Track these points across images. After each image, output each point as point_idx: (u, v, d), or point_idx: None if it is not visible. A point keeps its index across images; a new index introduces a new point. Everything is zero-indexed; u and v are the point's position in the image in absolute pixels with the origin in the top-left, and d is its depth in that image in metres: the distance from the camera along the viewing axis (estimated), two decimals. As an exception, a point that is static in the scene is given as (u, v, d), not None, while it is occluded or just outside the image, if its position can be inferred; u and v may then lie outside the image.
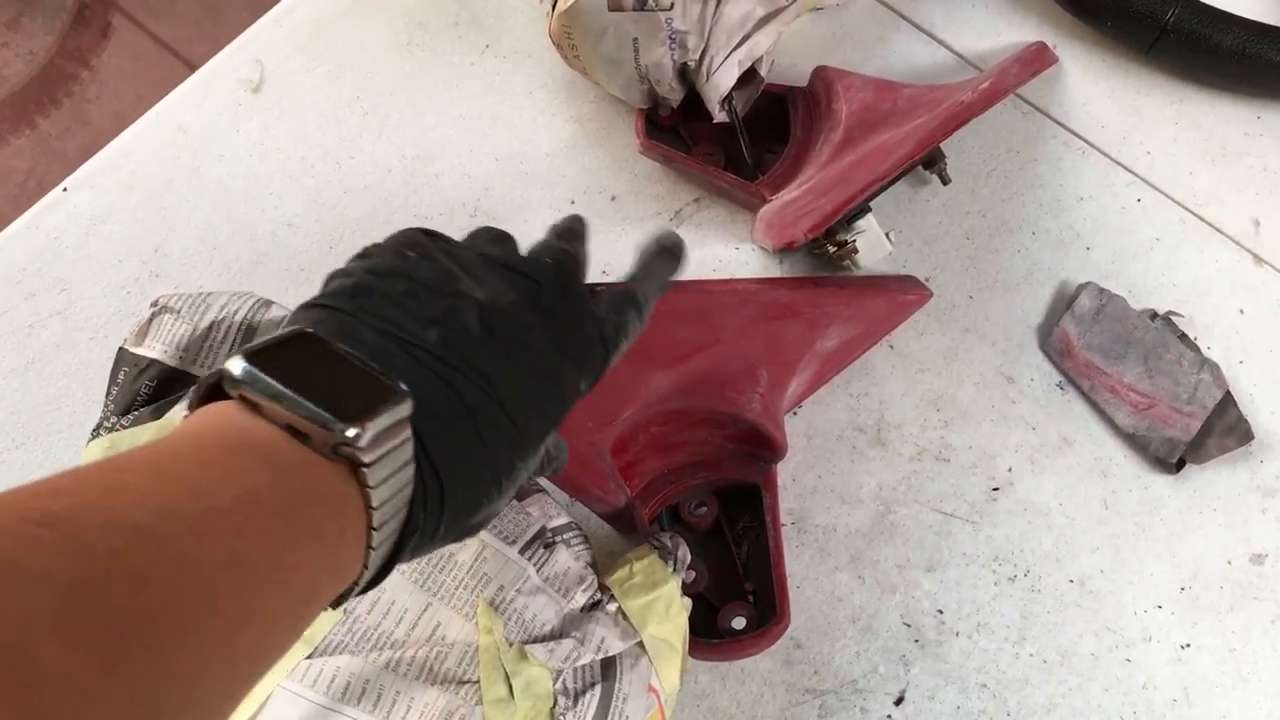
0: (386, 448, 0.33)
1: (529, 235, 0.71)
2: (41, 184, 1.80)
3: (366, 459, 0.32)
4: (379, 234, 0.70)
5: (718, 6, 0.66)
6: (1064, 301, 0.69)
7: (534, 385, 0.39)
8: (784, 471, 0.65)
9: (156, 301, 0.60)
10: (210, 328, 0.59)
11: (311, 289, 0.67)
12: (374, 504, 0.33)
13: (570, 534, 0.57)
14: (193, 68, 1.91)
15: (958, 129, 0.62)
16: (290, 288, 0.70)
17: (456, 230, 0.69)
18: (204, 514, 0.28)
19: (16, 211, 1.87)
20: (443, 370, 0.36)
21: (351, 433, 0.31)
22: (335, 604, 0.35)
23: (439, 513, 0.36)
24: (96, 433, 0.58)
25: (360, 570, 0.34)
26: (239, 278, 0.70)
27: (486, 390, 0.37)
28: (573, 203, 0.72)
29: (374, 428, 0.32)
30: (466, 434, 0.36)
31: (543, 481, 0.58)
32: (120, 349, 0.60)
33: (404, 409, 0.33)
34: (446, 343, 0.37)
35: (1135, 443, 0.66)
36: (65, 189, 0.72)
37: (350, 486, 0.33)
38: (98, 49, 1.91)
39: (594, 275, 0.70)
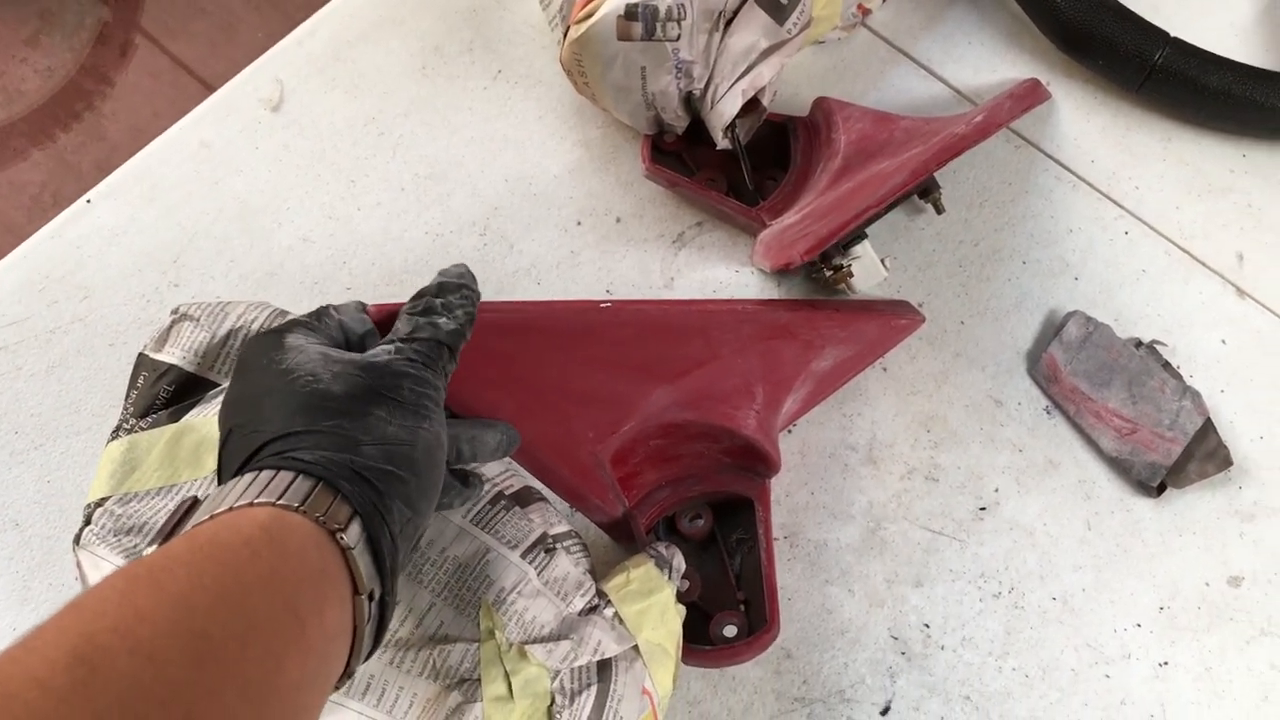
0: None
1: (536, 255, 0.74)
2: (56, 197, 1.83)
3: None
4: (390, 249, 0.73)
5: (723, 38, 0.68)
6: (1052, 329, 0.71)
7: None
8: (778, 487, 0.67)
9: (177, 309, 0.63)
10: (228, 335, 0.61)
11: (324, 300, 0.69)
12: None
13: (570, 541, 0.59)
14: (208, 86, 1.94)
15: (951, 160, 0.65)
16: (304, 299, 0.72)
17: (466, 251, 0.72)
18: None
19: (31, 223, 1.89)
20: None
21: None
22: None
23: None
24: (116, 434, 0.60)
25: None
26: (255, 288, 0.73)
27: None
28: (579, 223, 0.75)
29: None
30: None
31: (544, 490, 0.60)
32: (140, 354, 0.62)
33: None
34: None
35: (1118, 466, 0.68)
36: (89, 200, 0.75)
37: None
38: (116, 66, 1.94)
39: (596, 295, 0.73)
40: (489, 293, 0.72)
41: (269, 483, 0.40)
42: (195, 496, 0.42)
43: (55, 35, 1.96)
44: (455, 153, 0.77)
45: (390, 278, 0.73)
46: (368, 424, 0.43)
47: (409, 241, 0.74)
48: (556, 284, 0.73)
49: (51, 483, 0.68)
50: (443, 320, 0.48)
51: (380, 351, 0.46)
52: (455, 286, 0.50)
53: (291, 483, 0.40)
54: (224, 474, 0.44)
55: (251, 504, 0.40)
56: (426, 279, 0.73)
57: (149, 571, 0.35)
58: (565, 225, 0.75)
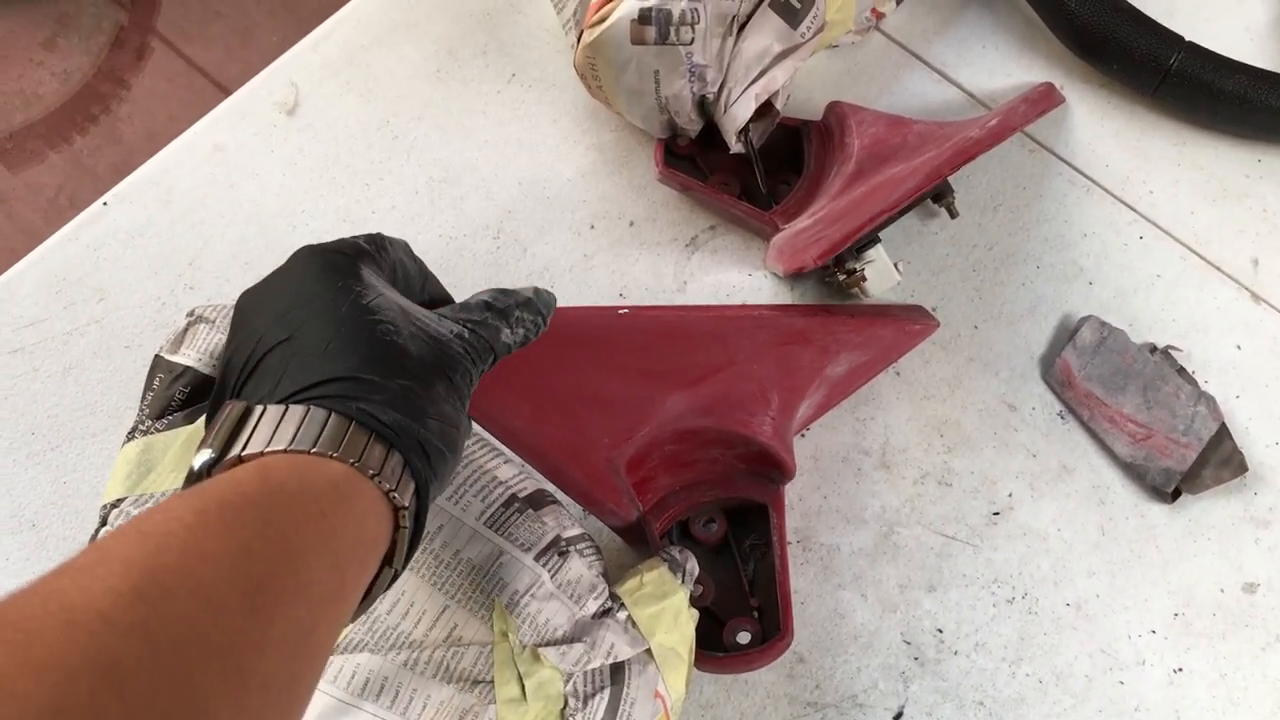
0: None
1: (549, 259, 0.74)
2: (73, 200, 1.84)
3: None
4: (405, 253, 0.73)
5: (736, 42, 0.68)
6: (1066, 334, 0.71)
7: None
8: (791, 491, 0.67)
9: (192, 311, 0.63)
10: (243, 337, 0.62)
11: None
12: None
13: (583, 544, 0.59)
14: (224, 90, 1.95)
15: (965, 163, 0.65)
16: (319, 302, 0.72)
17: (480, 254, 0.72)
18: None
19: (48, 226, 1.90)
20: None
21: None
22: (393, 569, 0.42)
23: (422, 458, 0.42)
24: (132, 435, 0.61)
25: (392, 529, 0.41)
26: (270, 292, 0.73)
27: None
28: (592, 227, 0.75)
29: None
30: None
31: (558, 494, 0.60)
32: (156, 356, 0.62)
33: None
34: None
35: (1133, 472, 0.68)
36: (105, 203, 0.75)
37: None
38: (132, 70, 1.95)
39: (610, 298, 0.73)
40: (502, 296, 0.73)
41: (345, 435, 0.40)
42: (246, 404, 0.41)
43: (72, 38, 1.97)
44: (469, 156, 0.77)
45: (404, 281, 0.73)
46: (432, 395, 0.43)
47: (423, 245, 0.74)
48: (570, 287, 0.73)
49: (68, 484, 0.69)
50: (506, 331, 0.48)
51: (445, 327, 0.46)
52: (537, 309, 0.50)
53: (367, 443, 0.40)
54: (262, 381, 0.41)
55: (329, 456, 0.39)
56: (441, 280, 0.73)
57: (218, 508, 0.35)
58: (579, 229, 0.75)
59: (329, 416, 0.39)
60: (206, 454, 0.39)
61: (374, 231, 0.50)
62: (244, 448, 0.39)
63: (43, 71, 1.94)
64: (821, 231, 0.63)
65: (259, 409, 0.40)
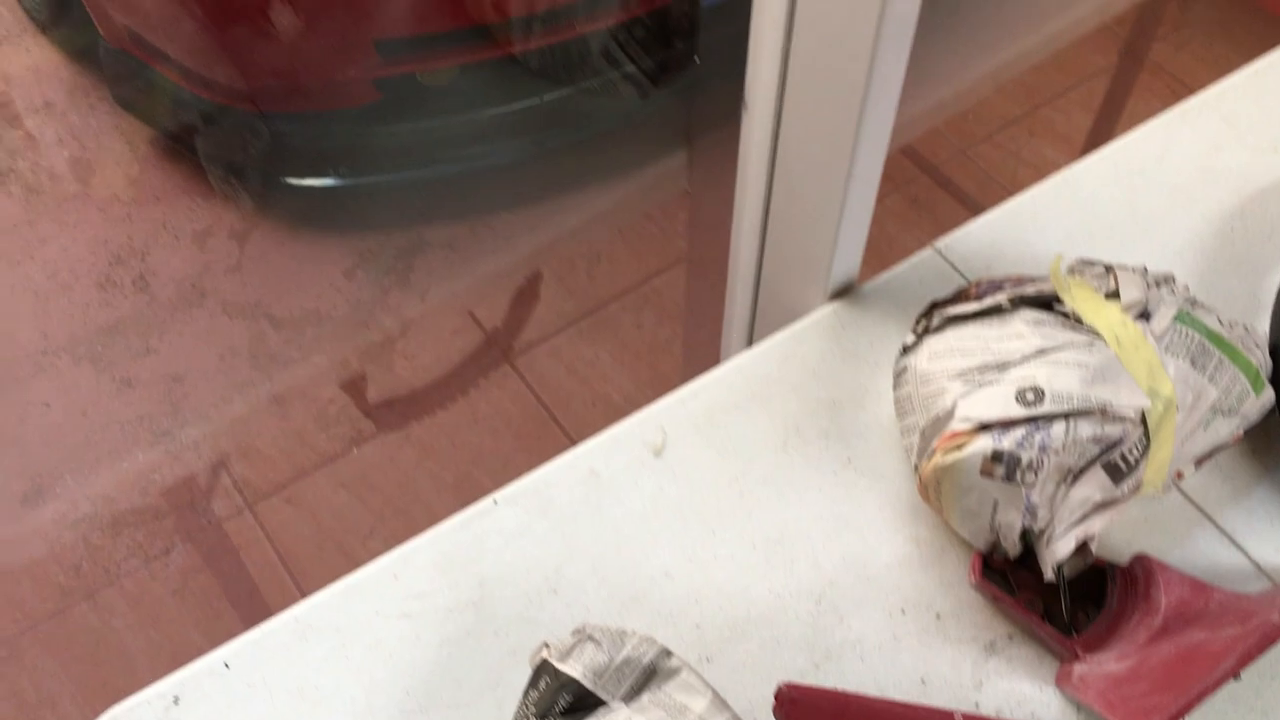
0: None
1: (861, 633, 0.84)
2: (341, 414, 2.04)
3: None
4: (736, 599, 0.84)
5: (1067, 489, 0.80)
6: (1336, 815, 0.76)
7: None
8: None
9: (581, 629, 0.74)
10: (624, 662, 0.73)
11: (676, 632, 0.79)
12: None
13: None
14: (484, 331, 2.15)
15: (1270, 647, 0.73)
16: (660, 627, 0.84)
17: (801, 614, 0.81)
18: None
19: (321, 431, 2.08)
20: None
21: None
22: None
23: None
24: (519, 729, 0.71)
25: None
26: (619, 608, 0.85)
27: None
28: (903, 611, 0.85)
29: None
30: None
31: None
32: (544, 660, 0.74)
33: None
34: None
35: None
36: (495, 502, 0.89)
37: None
38: (413, 308, 2.20)
39: (912, 682, 0.82)
40: (818, 658, 0.83)
41: None
42: None
43: (371, 272, 2.23)
44: (802, 525, 0.89)
45: (735, 625, 0.84)
46: None
47: (753, 595, 0.85)
48: (879, 664, 0.83)
49: (427, 745, 0.79)
50: None
51: None
52: None
53: None
54: None
55: None
56: (765, 634, 0.84)
57: None
58: (890, 610, 0.85)
59: None
60: None
61: None
62: None
63: (339, 298, 2.20)
64: (1149, 696, 0.72)
65: None
